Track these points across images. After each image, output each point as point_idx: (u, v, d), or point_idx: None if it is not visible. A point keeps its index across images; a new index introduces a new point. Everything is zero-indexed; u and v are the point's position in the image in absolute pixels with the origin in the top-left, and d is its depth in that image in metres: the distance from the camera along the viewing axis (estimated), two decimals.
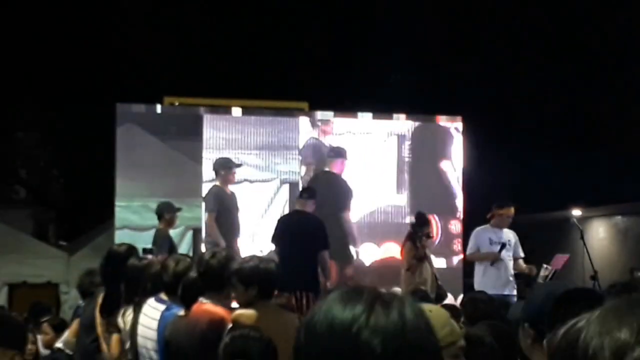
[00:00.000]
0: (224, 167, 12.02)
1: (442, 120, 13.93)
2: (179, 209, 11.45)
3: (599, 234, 19.68)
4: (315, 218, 10.44)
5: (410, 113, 13.96)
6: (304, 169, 13.19)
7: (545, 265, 11.16)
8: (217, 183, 11.93)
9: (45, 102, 22.67)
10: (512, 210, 10.77)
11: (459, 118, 13.94)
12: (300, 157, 13.26)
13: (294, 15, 22.06)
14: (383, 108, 14.47)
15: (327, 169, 12.77)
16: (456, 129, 13.82)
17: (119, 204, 12.62)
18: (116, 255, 6.77)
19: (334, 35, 22.46)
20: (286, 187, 13.12)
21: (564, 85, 21.51)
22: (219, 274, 5.28)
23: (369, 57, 22.14)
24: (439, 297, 9.77)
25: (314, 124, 13.45)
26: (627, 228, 19.33)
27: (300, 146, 13.28)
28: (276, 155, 13.15)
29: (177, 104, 13.50)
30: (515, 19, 21.84)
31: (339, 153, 12.75)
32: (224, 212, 11.70)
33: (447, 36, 21.97)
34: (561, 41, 21.81)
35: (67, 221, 25.43)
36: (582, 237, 11.34)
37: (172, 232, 11.32)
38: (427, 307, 2.96)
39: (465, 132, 13.79)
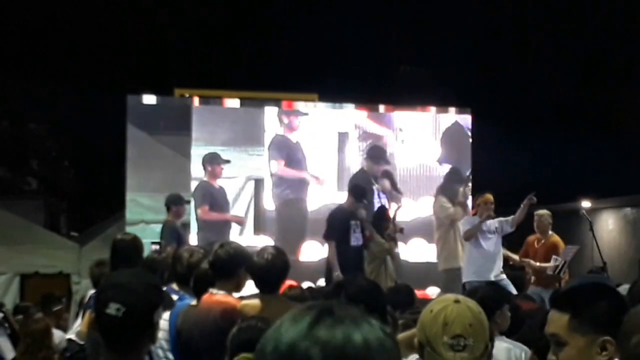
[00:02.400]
0: (211, 162, 12.31)
1: (452, 112, 13.96)
2: (187, 202, 11.56)
3: (608, 226, 19.67)
4: None
5: (420, 105, 14.00)
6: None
7: (555, 257, 11.22)
8: (205, 178, 12.25)
9: (57, 92, 22.72)
10: (487, 196, 10.93)
11: (469, 110, 13.97)
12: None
13: (306, 7, 22.08)
14: (394, 100, 14.53)
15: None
16: (465, 121, 13.87)
17: (130, 196, 12.76)
18: (122, 245, 6.89)
19: (346, 28, 22.45)
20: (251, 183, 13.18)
21: (573, 77, 21.48)
22: (228, 264, 5.35)
23: (377, 49, 22.14)
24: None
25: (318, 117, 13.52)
26: (636, 220, 19.30)
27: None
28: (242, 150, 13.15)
29: (187, 95, 13.55)
30: (525, 7, 21.80)
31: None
32: (214, 206, 11.94)
33: (455, 26, 21.94)
34: (573, 29, 21.75)
35: (79, 212, 25.52)
36: (591, 229, 11.38)
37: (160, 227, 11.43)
38: None
39: (475, 124, 13.82)
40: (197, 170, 12.74)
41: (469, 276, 10.74)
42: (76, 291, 13.97)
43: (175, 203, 11.14)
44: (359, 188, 11.41)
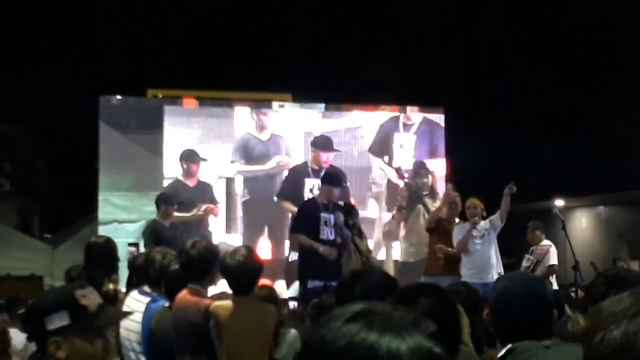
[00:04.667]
0: (187, 160, 12.34)
1: (424, 112, 13.99)
2: (180, 202, 11.56)
3: (582, 224, 19.82)
4: None
5: (392, 104, 14.03)
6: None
7: (527, 256, 11.26)
8: (181, 176, 12.27)
9: (30, 93, 22.58)
10: (472, 201, 10.83)
11: (441, 109, 14.00)
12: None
13: (278, 6, 22.06)
14: (366, 99, 14.54)
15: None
16: (439, 120, 13.91)
17: (102, 196, 12.73)
18: (95, 248, 6.93)
19: (318, 29, 22.47)
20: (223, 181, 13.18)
21: (544, 76, 21.60)
22: (200, 263, 5.35)
23: (352, 48, 22.15)
24: None
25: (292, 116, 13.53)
26: (609, 218, 19.47)
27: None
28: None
29: (160, 96, 13.51)
30: (499, 8, 21.90)
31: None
32: (183, 205, 11.90)
33: (428, 27, 22.01)
34: (543, 29, 21.88)
35: (52, 213, 25.37)
36: (563, 228, 11.42)
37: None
38: None
39: (448, 124, 13.85)
40: (169, 170, 12.71)
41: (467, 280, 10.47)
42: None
43: (164, 202, 11.01)
44: (329, 174, 10.98)
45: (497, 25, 21.82)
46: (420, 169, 13.31)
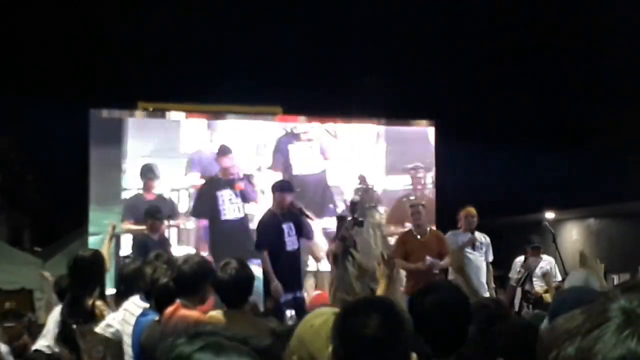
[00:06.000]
0: (143, 176, 12.45)
1: (415, 125, 14.01)
2: (169, 217, 11.58)
3: (572, 237, 19.85)
4: None
5: (383, 117, 14.04)
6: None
7: (519, 268, 11.29)
8: (141, 190, 12.35)
9: (20, 105, 22.54)
10: (469, 209, 10.77)
11: (432, 122, 14.02)
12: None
13: (269, 19, 22.09)
14: (357, 112, 14.55)
15: None
16: (429, 133, 13.92)
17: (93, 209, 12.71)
18: (80, 263, 6.90)
19: (309, 39, 22.50)
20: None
21: (536, 89, 21.67)
22: (192, 279, 5.32)
23: (343, 60, 22.20)
24: None
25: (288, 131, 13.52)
26: (599, 230, 19.50)
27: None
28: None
29: (151, 109, 13.51)
30: (489, 22, 21.97)
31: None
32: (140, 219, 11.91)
33: (419, 40, 22.07)
34: (533, 44, 21.96)
35: (43, 226, 25.29)
36: (554, 241, 11.46)
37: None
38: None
39: (439, 137, 13.87)
40: (130, 182, 12.76)
41: None
42: (39, 307, 13.85)
43: (150, 217, 11.06)
44: (279, 183, 10.65)
45: (488, 38, 21.89)
46: (360, 184, 13.34)
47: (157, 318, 5.46)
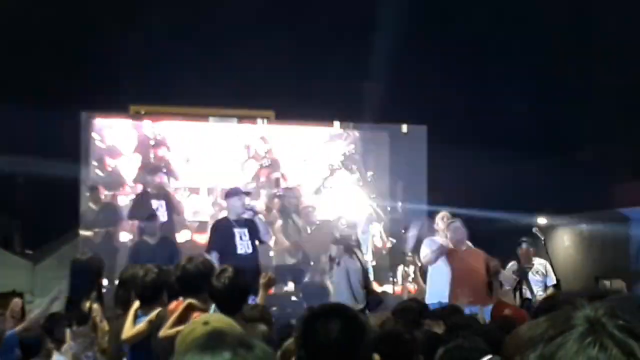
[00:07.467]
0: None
1: (407, 128, 14.03)
2: (151, 215, 11.63)
3: (564, 242, 19.87)
4: None
5: (375, 121, 14.06)
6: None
7: (513, 277, 11.24)
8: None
9: (9, 108, 22.46)
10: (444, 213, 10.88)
11: (424, 127, 14.04)
12: None
13: (259, 21, 22.06)
14: (349, 116, 14.55)
15: None
16: (421, 136, 13.95)
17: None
18: (77, 266, 6.90)
19: (302, 45, 22.48)
20: None
21: (527, 93, 21.68)
22: (197, 278, 5.34)
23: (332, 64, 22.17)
24: None
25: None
26: (591, 236, 19.52)
27: None
28: None
29: (143, 112, 13.49)
30: (479, 27, 21.99)
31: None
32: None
33: (411, 44, 22.06)
34: (523, 49, 21.98)
35: (33, 229, 25.18)
36: (545, 246, 11.46)
37: None
38: None
39: (430, 142, 13.89)
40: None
41: (430, 298, 10.01)
42: (30, 310, 13.81)
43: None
44: (229, 190, 10.96)
45: (479, 42, 21.92)
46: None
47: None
